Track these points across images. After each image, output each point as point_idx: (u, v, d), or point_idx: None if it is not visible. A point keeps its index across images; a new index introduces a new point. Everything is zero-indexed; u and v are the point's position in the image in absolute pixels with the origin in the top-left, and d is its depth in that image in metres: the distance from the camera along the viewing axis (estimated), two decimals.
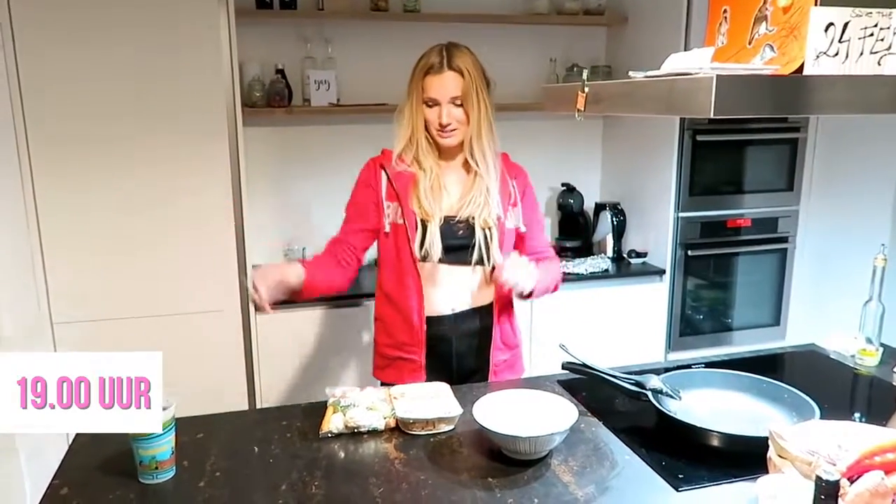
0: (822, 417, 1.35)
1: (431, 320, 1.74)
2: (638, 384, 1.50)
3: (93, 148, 2.20)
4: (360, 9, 2.85)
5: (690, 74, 1.10)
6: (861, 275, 3.17)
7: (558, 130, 3.26)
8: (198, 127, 2.27)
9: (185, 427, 1.36)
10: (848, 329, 3.13)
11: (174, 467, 1.26)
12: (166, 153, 2.26)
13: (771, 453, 1.18)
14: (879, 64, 1.17)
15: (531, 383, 1.68)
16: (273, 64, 2.82)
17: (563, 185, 3.17)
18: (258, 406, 2.51)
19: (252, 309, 2.45)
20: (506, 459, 1.31)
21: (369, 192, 1.74)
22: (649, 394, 1.47)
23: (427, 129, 1.70)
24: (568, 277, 2.80)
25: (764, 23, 1.28)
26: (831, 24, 1.14)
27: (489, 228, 1.70)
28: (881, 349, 1.80)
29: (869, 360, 1.80)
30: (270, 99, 2.79)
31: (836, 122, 2.93)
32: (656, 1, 2.87)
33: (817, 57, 1.14)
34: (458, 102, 1.66)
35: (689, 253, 2.92)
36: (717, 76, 0.94)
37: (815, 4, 1.11)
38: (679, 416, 1.38)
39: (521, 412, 1.39)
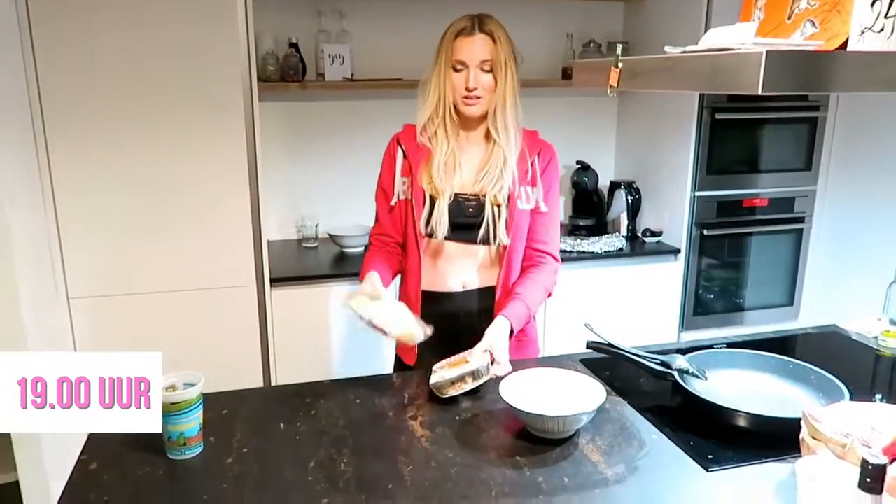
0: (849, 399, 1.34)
1: (441, 296, 1.73)
2: (663, 364, 1.49)
3: (108, 124, 2.17)
4: None
5: (733, 50, 1.07)
6: (878, 256, 3.17)
7: (572, 107, 3.22)
8: (214, 102, 2.24)
9: (209, 403, 1.35)
10: (864, 311, 3.13)
11: (202, 443, 1.25)
12: (181, 129, 2.23)
13: (804, 434, 1.17)
14: None
15: (553, 362, 1.67)
16: (287, 37, 2.78)
17: (577, 162, 3.14)
18: (272, 378, 2.51)
19: (268, 285, 2.44)
20: (533, 438, 1.30)
21: (390, 171, 1.73)
22: (675, 374, 1.46)
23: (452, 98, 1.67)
24: (582, 256, 2.78)
25: None
26: None
27: (499, 206, 1.68)
28: None
29: (892, 342, 1.79)
30: (284, 73, 2.75)
31: (857, 101, 2.89)
32: None
33: (862, 33, 1.12)
34: (487, 68, 1.63)
35: (705, 232, 2.90)
36: (767, 52, 0.92)
37: None
38: (706, 397, 1.37)
39: (548, 391, 1.38)
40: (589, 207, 3.14)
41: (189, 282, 2.33)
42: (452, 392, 1.46)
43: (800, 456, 1.21)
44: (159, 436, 1.22)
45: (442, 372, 1.49)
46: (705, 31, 2.76)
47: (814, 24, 1.21)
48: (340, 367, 2.62)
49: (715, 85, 1.03)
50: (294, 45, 2.78)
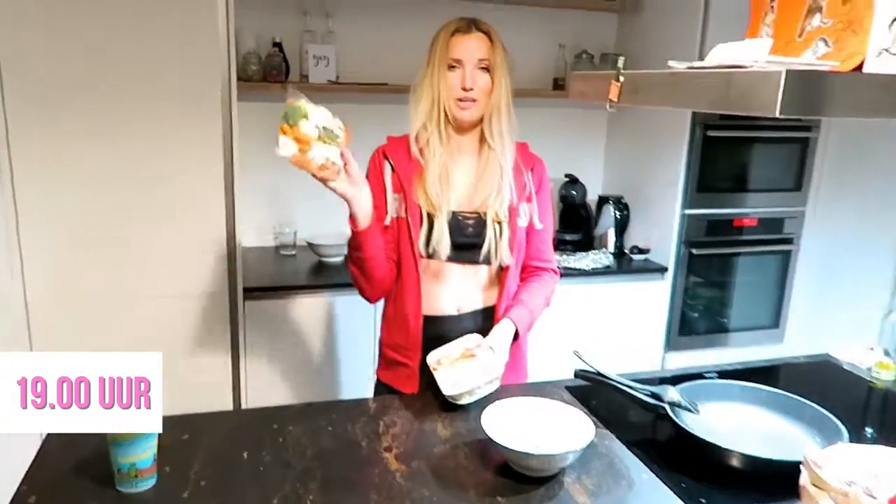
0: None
1: (434, 320, 1.63)
2: (654, 395, 1.42)
3: (74, 117, 2.06)
4: None
5: (746, 68, 1.00)
6: (865, 281, 3.14)
7: (562, 118, 3.15)
8: (190, 98, 2.13)
9: (168, 428, 1.24)
10: (851, 336, 3.09)
11: (156, 475, 1.15)
12: (154, 124, 2.12)
13: (804, 481, 1.09)
14: None
15: (537, 389, 1.58)
16: (270, 36, 2.68)
17: (566, 175, 3.07)
18: (243, 398, 2.40)
19: (241, 295, 2.33)
20: (515, 475, 1.22)
21: (380, 188, 1.60)
22: (667, 407, 1.38)
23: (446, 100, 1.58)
24: (568, 272, 2.71)
25: (818, 14, 1.18)
26: None
27: (500, 223, 1.60)
28: None
29: (886, 374, 1.73)
30: (267, 73, 2.65)
31: (849, 123, 2.85)
32: None
33: (879, 54, 1.05)
34: (484, 66, 1.54)
35: (694, 252, 2.84)
36: (787, 71, 0.84)
37: None
38: (698, 433, 1.29)
39: (532, 423, 1.30)
40: (576, 222, 3.06)
41: (156, 288, 2.22)
42: (468, 400, 1.43)
43: (798, 502, 1.14)
44: (108, 465, 1.12)
45: (451, 374, 1.44)
46: (701, 45, 2.72)
47: (827, 43, 1.14)
48: (317, 386, 2.52)
49: (726, 104, 0.95)
50: (278, 45, 2.68)
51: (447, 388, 1.43)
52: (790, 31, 1.23)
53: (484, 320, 1.65)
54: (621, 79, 1.22)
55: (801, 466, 1.10)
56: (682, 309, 2.90)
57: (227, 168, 2.23)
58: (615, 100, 1.24)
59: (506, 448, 1.20)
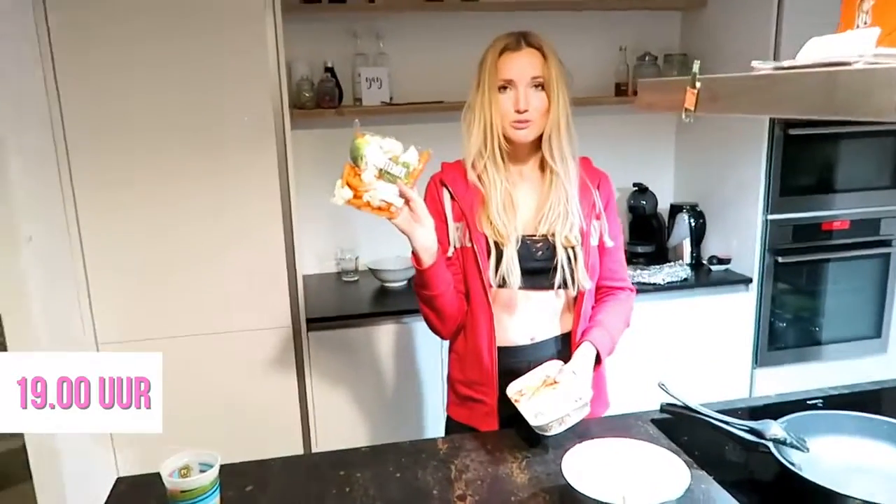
0: None
1: (506, 352, 1.53)
2: (754, 431, 1.27)
3: (136, 161, 2.07)
4: (414, 0, 2.65)
5: (850, 64, 0.86)
6: None
7: (626, 125, 3.00)
8: (244, 133, 2.11)
9: (232, 477, 1.19)
10: None
11: None
12: (211, 163, 2.12)
13: None
14: None
15: (621, 424, 1.46)
16: (322, 62, 2.65)
17: (634, 185, 2.92)
18: (312, 435, 2.35)
19: (304, 326, 2.29)
20: None
21: (440, 219, 1.50)
22: (770, 445, 1.23)
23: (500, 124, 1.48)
24: (642, 288, 2.55)
25: None
26: None
27: (572, 247, 1.48)
28: None
29: None
30: (320, 99, 2.62)
31: None
32: None
33: None
34: (538, 83, 1.44)
35: (780, 259, 2.63)
36: None
37: None
38: (809, 475, 1.14)
39: (619, 467, 1.18)
40: (648, 233, 2.90)
41: (219, 324, 2.20)
42: (558, 429, 1.33)
43: None
44: None
45: (535, 405, 1.35)
46: (776, 40, 2.53)
47: None
48: (385, 419, 2.44)
49: (830, 109, 0.82)
50: (329, 70, 2.65)
51: (533, 420, 1.33)
52: (894, 17, 1.09)
53: (561, 348, 1.54)
54: (698, 85, 1.10)
55: None
56: (770, 322, 2.69)
57: (284, 197, 2.21)
58: (692, 109, 1.12)
59: (591, 499, 1.08)
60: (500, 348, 1.52)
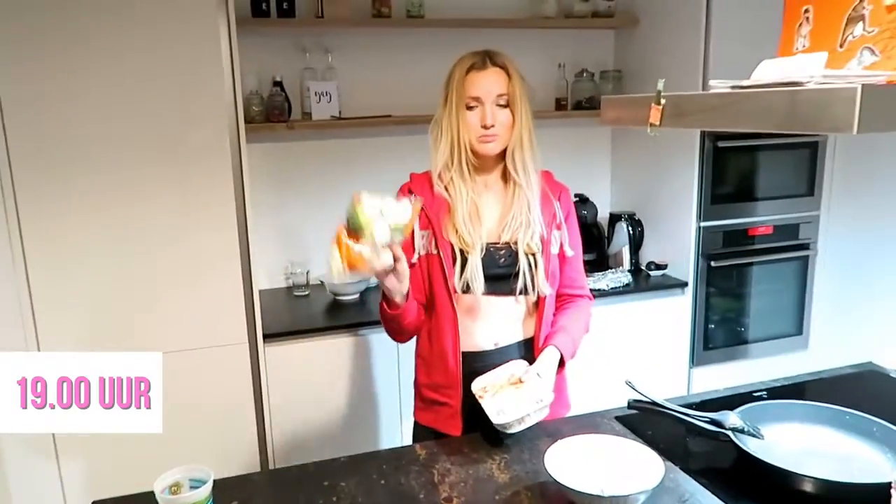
0: None
1: (471, 356, 1.58)
2: (715, 422, 1.37)
3: (83, 179, 1.99)
4: (362, 16, 2.68)
5: (802, 84, 0.97)
6: (886, 280, 3.12)
7: (566, 138, 3.13)
8: (199, 148, 2.08)
9: (214, 493, 1.18)
10: (878, 336, 3.05)
11: None
12: (165, 178, 2.06)
13: None
14: None
15: (588, 421, 1.54)
16: (270, 76, 2.65)
17: (575, 195, 3.03)
18: (270, 452, 2.32)
19: (261, 343, 2.27)
20: None
21: None
22: (730, 433, 1.33)
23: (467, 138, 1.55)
24: None
25: (861, 23, 1.15)
26: None
27: (533, 254, 1.56)
28: None
29: None
30: (269, 113, 2.61)
31: None
32: (670, 1, 2.75)
33: None
34: (503, 102, 1.52)
35: (712, 264, 2.80)
36: (863, 86, 0.81)
37: None
38: (767, 459, 1.24)
39: (596, 462, 1.25)
40: (590, 241, 3.02)
41: (173, 342, 2.14)
42: (517, 428, 1.39)
43: None
44: None
45: (498, 403, 1.41)
46: (705, 59, 2.70)
47: (873, 52, 1.12)
48: (348, 432, 2.44)
49: (792, 124, 0.92)
50: (279, 84, 2.64)
51: (495, 417, 1.39)
52: (830, 41, 1.21)
53: (524, 353, 1.61)
54: (663, 102, 1.19)
55: (891, 490, 1.05)
56: (705, 323, 2.86)
57: (240, 212, 2.18)
58: (657, 124, 1.21)
59: (574, 491, 1.15)
60: (465, 353, 1.58)
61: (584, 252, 2.98)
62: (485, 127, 1.51)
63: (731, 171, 2.77)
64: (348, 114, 2.74)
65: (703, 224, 2.77)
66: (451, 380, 1.58)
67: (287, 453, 2.36)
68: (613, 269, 2.87)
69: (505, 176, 1.60)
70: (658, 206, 2.95)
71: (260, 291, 2.34)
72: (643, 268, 2.95)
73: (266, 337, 2.29)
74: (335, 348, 2.41)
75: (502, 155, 1.58)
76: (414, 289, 1.54)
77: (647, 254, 2.98)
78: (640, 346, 2.79)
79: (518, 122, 1.54)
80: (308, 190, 2.83)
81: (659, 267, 2.89)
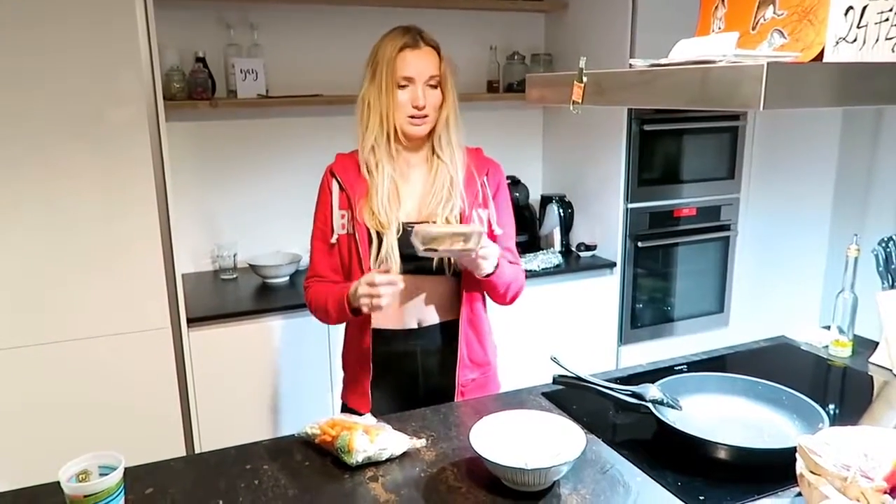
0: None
1: (391, 335, 1.59)
2: (636, 395, 1.40)
3: None
4: None
5: (714, 62, 0.99)
6: (801, 260, 3.28)
7: (498, 120, 3.14)
8: (117, 125, 1.98)
9: (128, 482, 1.13)
10: (792, 313, 3.21)
11: None
12: (81, 157, 1.95)
13: (801, 469, 1.10)
14: (893, 51, 1.11)
15: (514, 398, 1.55)
16: (192, 52, 2.55)
17: (508, 177, 3.04)
18: (196, 439, 2.26)
19: (185, 326, 2.19)
20: (510, 492, 1.18)
21: (326, 207, 1.57)
22: (650, 406, 1.37)
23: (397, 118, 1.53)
24: None
25: (771, 6, 1.19)
26: (850, 7, 1.06)
27: None
28: (853, 340, 1.79)
29: (842, 351, 1.79)
30: (192, 91, 2.51)
31: (773, 111, 2.96)
32: None
33: (837, 43, 1.07)
34: (434, 83, 1.51)
35: (639, 244, 2.87)
36: (769, 64, 0.83)
37: None
38: (685, 429, 1.28)
39: (520, 437, 1.26)
40: (521, 223, 3.04)
41: (94, 328, 2.05)
42: (436, 247, 1.38)
43: (793, 488, 1.15)
44: None
45: (431, 229, 1.39)
46: (632, 41, 2.76)
47: (782, 34, 1.16)
48: (275, 416, 2.40)
49: (704, 100, 0.94)
50: (201, 60, 2.55)
51: (417, 240, 1.39)
52: (743, 23, 1.24)
53: (446, 335, 1.61)
54: (584, 80, 1.20)
55: (797, 454, 1.10)
56: (632, 302, 2.94)
57: (160, 193, 2.10)
58: (579, 101, 1.22)
59: (498, 465, 1.15)
60: (385, 332, 1.58)
61: (517, 234, 3.05)
62: (416, 107, 1.50)
63: (657, 154, 2.84)
64: (275, 93, 2.67)
65: (630, 206, 2.84)
66: (362, 359, 1.58)
67: (215, 440, 2.28)
68: (545, 251, 2.91)
69: (430, 154, 1.59)
70: (588, 188, 3.01)
71: (184, 275, 2.28)
72: (573, 249, 3.01)
73: (190, 321, 2.21)
74: (264, 332, 2.36)
75: (430, 134, 1.57)
76: (332, 268, 1.54)
77: (578, 235, 3.04)
78: (571, 325, 2.85)
79: (448, 101, 1.54)
80: (234, 170, 2.75)
81: (589, 248, 2.95)
